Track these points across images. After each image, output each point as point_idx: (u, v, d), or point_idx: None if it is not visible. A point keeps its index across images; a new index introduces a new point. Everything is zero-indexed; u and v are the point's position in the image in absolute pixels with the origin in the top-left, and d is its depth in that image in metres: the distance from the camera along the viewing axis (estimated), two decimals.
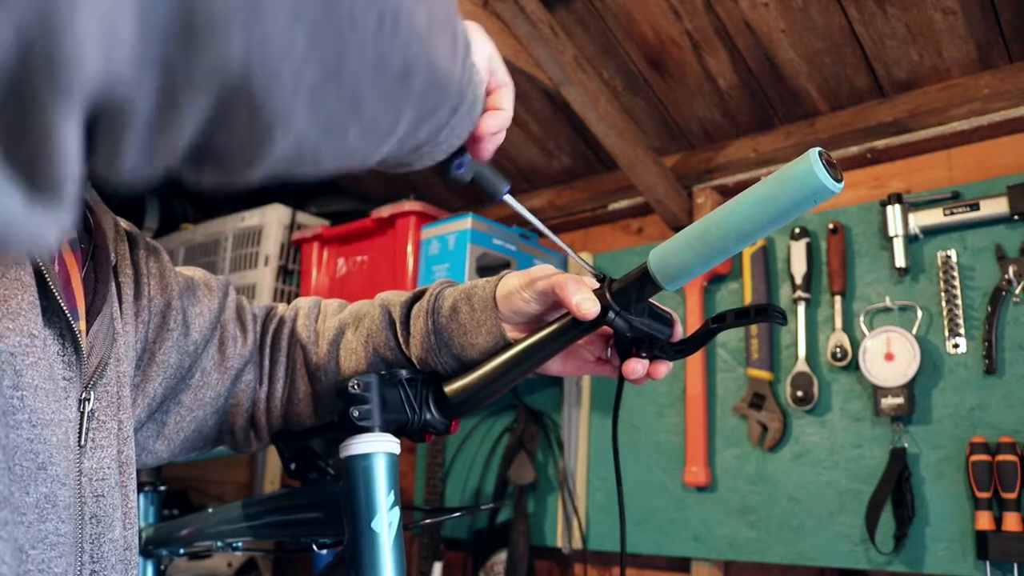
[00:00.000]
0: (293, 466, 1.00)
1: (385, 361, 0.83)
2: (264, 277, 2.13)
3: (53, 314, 0.60)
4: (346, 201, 2.32)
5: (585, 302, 0.69)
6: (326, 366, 0.87)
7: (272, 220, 2.17)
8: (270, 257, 2.15)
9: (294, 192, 2.31)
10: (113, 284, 0.72)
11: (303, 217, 2.22)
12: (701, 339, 0.70)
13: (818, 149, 0.56)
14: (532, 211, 2.12)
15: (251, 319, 0.90)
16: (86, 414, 0.63)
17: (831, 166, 0.56)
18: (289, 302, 0.99)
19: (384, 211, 1.96)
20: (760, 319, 0.66)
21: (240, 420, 0.89)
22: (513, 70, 1.59)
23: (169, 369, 0.81)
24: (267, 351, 0.91)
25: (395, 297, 0.86)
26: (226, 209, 2.34)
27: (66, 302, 0.60)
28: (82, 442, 0.62)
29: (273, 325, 0.92)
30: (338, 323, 0.88)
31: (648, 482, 1.77)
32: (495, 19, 1.51)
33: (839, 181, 0.57)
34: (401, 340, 0.82)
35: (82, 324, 0.64)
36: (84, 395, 0.63)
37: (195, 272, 0.88)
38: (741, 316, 0.67)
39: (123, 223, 0.80)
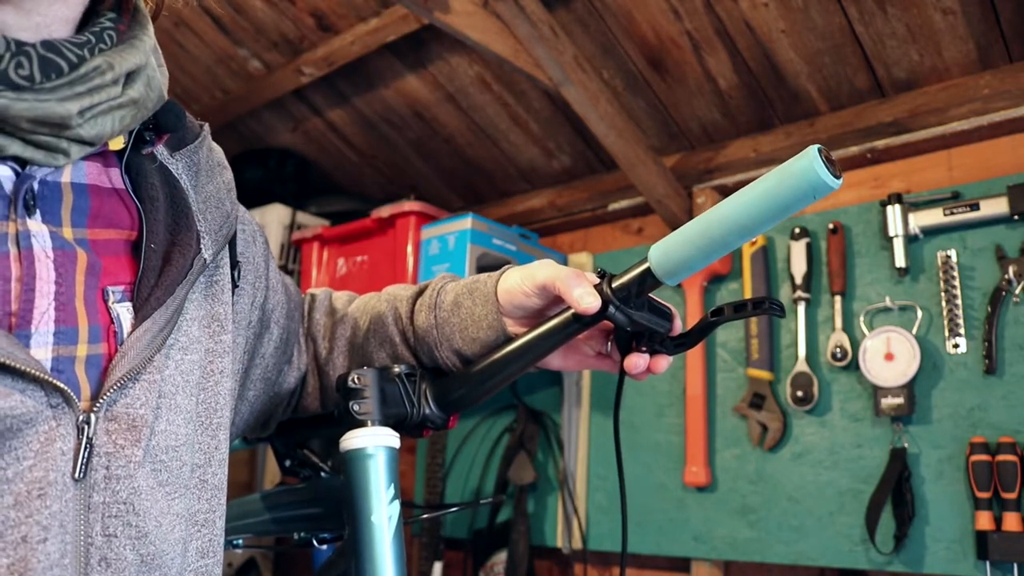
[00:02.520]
0: (288, 463, 1.00)
1: (391, 356, 0.84)
2: None
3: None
4: (346, 201, 2.32)
5: (586, 296, 0.69)
6: (334, 360, 0.88)
7: (272, 220, 2.17)
8: None
9: (294, 192, 2.31)
10: (208, 292, 0.66)
11: (303, 217, 2.22)
12: (700, 332, 0.71)
13: (818, 146, 0.57)
14: (531, 211, 2.14)
15: (302, 324, 0.91)
16: (84, 443, 0.54)
17: (830, 162, 0.57)
18: None
19: (384, 211, 1.96)
20: (757, 311, 0.66)
21: (265, 417, 0.90)
22: (513, 70, 1.59)
23: (268, 383, 0.82)
24: None
25: (401, 292, 0.87)
26: None
27: (65, 322, 0.54)
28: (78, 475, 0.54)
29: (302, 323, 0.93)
30: (346, 317, 0.89)
31: (648, 482, 1.77)
32: (495, 19, 1.51)
33: (838, 177, 0.57)
34: (407, 335, 0.83)
35: (83, 347, 0.56)
36: (81, 419, 0.54)
37: (284, 279, 0.88)
38: (739, 309, 0.67)
39: (249, 216, 0.79)
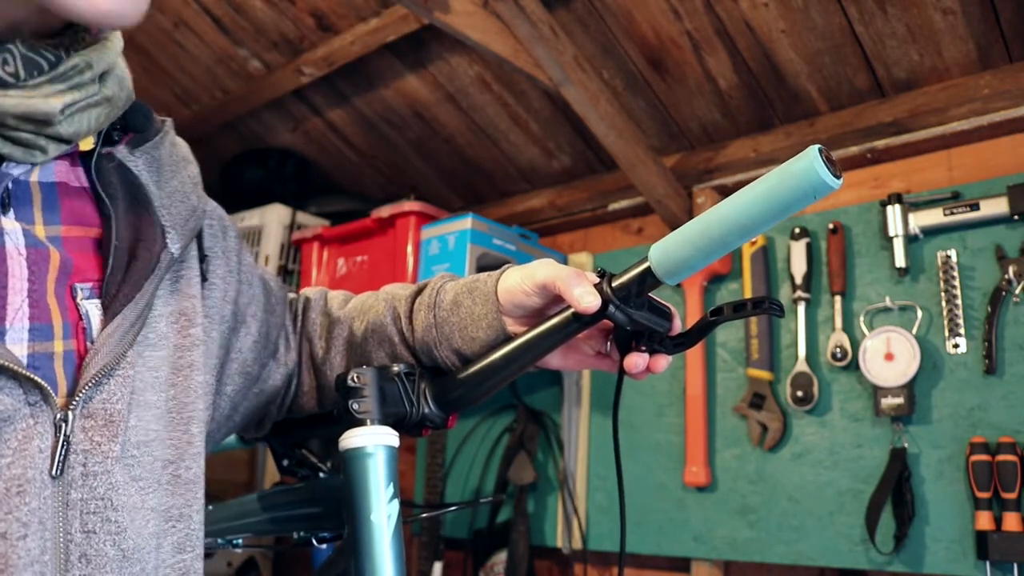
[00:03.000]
0: (285, 463, 1.00)
1: (390, 355, 0.84)
2: None
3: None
4: (346, 201, 2.32)
5: (586, 295, 0.69)
6: (332, 360, 0.87)
7: (272, 220, 2.17)
8: (270, 257, 2.15)
9: (294, 192, 2.31)
10: (175, 286, 0.66)
11: (303, 217, 2.22)
12: (700, 332, 0.71)
13: (818, 146, 0.57)
14: (531, 211, 2.14)
15: (291, 321, 0.91)
16: (62, 441, 0.55)
17: (831, 162, 0.57)
18: None
19: (384, 211, 1.96)
20: (757, 311, 0.66)
21: (258, 416, 0.90)
22: (513, 70, 1.59)
23: (249, 379, 0.82)
24: None
25: (400, 291, 0.86)
26: (226, 209, 2.34)
27: (38, 318, 0.54)
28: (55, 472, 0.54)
29: (289, 320, 0.92)
30: (343, 316, 0.89)
31: (648, 482, 1.77)
32: (495, 19, 1.51)
33: (838, 177, 0.57)
34: (406, 334, 0.83)
35: (58, 343, 0.56)
36: (59, 416, 0.55)
37: (264, 274, 0.88)
38: (739, 308, 0.67)
39: (219, 211, 0.78)
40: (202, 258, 0.72)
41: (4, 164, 0.55)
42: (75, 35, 0.58)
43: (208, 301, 0.73)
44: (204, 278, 0.71)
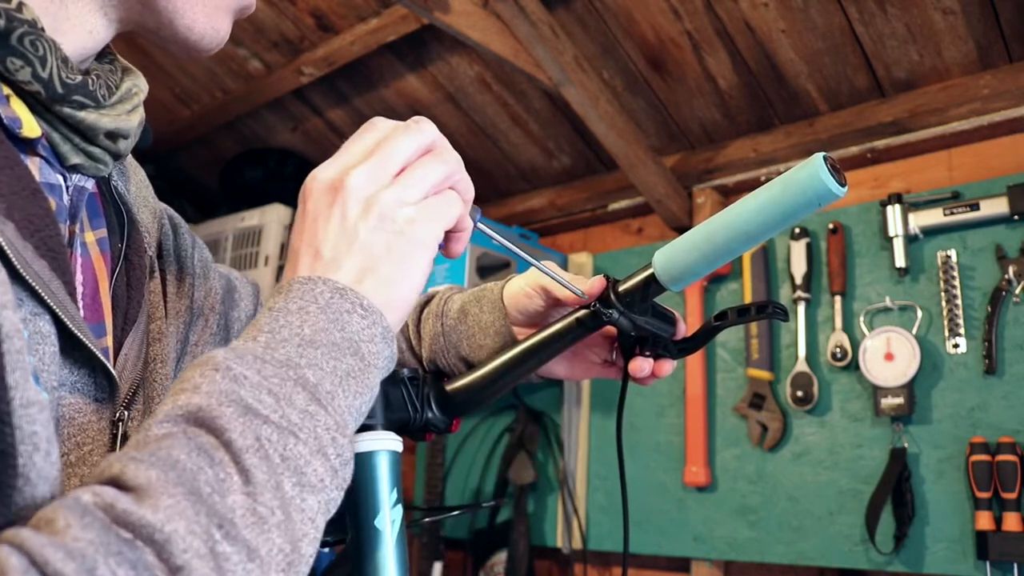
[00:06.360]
0: None
1: (397, 363, 0.84)
2: (264, 277, 2.13)
3: (76, 346, 0.53)
4: None
5: (593, 283, 0.71)
6: None
7: (272, 220, 2.17)
8: (270, 257, 2.15)
9: (294, 192, 2.31)
10: (149, 286, 0.68)
11: None
12: (704, 337, 0.71)
13: (823, 153, 0.57)
14: (531, 211, 2.14)
15: None
16: (119, 436, 0.58)
17: (835, 170, 0.57)
18: None
19: None
20: (761, 316, 0.66)
21: None
22: (513, 70, 1.59)
23: None
24: None
25: None
26: (226, 209, 2.34)
27: (92, 319, 0.57)
28: None
29: None
30: None
31: (648, 482, 1.77)
32: (495, 19, 1.51)
33: (843, 185, 0.57)
34: (413, 343, 0.84)
35: (109, 339, 0.60)
36: (118, 415, 0.58)
37: (230, 271, 0.89)
38: (743, 313, 0.67)
39: (169, 211, 0.79)
40: (160, 254, 0.74)
41: (76, 177, 0.59)
42: (112, 62, 0.63)
43: (166, 297, 0.74)
44: (163, 275, 0.73)
